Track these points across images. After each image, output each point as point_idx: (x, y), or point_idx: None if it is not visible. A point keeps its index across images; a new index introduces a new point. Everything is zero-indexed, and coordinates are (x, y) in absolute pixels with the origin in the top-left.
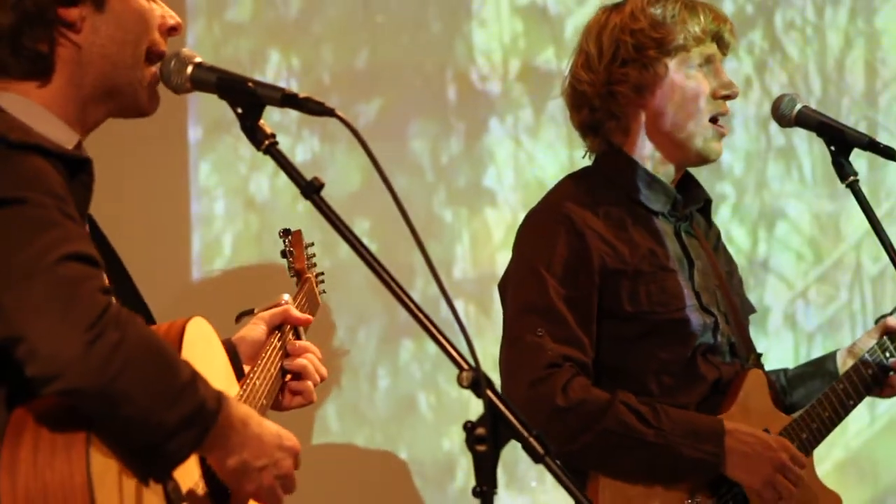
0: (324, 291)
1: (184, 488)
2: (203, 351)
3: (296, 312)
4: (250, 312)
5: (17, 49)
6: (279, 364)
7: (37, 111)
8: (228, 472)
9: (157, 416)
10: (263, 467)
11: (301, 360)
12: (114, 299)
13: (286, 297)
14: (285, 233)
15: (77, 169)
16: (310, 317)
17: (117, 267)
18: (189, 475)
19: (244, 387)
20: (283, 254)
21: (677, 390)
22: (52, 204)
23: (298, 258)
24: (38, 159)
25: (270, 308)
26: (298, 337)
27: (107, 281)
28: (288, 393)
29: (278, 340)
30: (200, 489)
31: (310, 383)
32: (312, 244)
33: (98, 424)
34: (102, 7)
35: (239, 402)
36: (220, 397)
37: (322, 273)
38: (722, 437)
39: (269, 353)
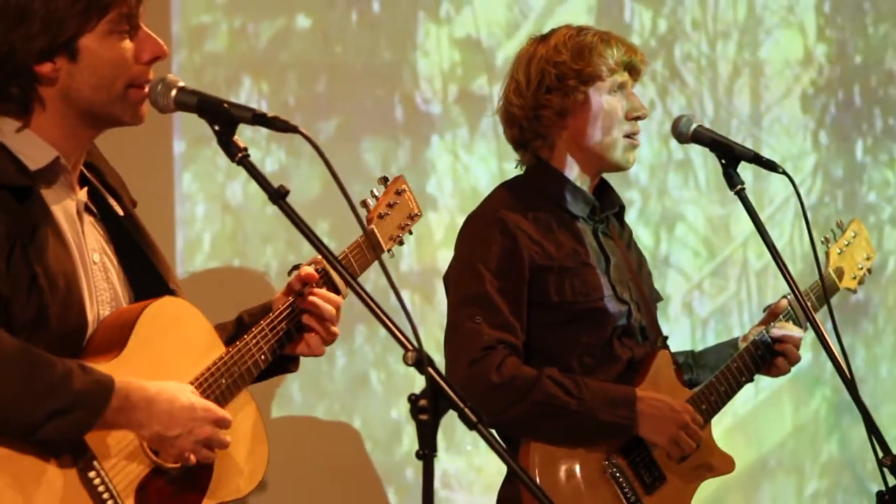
0: (400, 242)
1: (112, 452)
2: (165, 326)
3: (307, 269)
4: (298, 267)
5: (5, 95)
6: (286, 319)
7: (20, 133)
8: (147, 442)
9: (23, 412)
10: (178, 436)
11: (311, 320)
12: None
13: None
14: (383, 180)
15: (24, 195)
16: (307, 278)
17: (133, 248)
18: (122, 439)
19: (231, 348)
20: (363, 203)
21: (596, 369)
22: None
23: (377, 206)
24: None
25: (311, 263)
26: (335, 289)
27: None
28: (302, 343)
29: (291, 298)
30: (135, 448)
31: (315, 337)
32: (404, 191)
33: None
34: (76, 58)
35: (146, 384)
36: (111, 387)
37: (411, 218)
38: (634, 403)
39: (275, 313)
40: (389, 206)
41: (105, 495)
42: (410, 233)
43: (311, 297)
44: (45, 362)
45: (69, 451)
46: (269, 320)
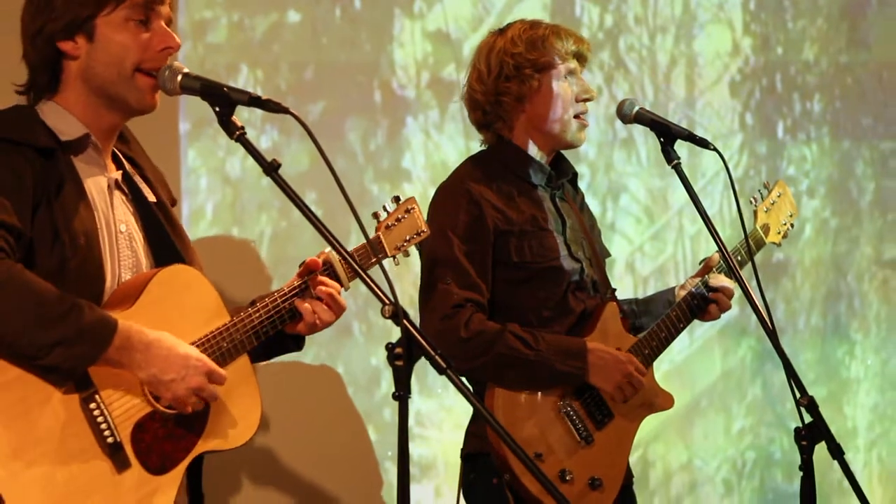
0: (406, 253)
1: (114, 391)
2: (175, 289)
3: (313, 258)
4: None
5: (39, 70)
6: (291, 300)
7: (57, 111)
8: (144, 384)
9: (31, 335)
10: (172, 381)
11: (306, 305)
12: (2, 255)
13: (328, 248)
14: (395, 199)
15: (49, 154)
16: (311, 265)
17: (160, 233)
18: (125, 382)
19: (235, 317)
20: (374, 215)
21: (553, 320)
22: None
23: (386, 219)
24: (6, 146)
25: (319, 256)
26: (337, 278)
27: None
28: (303, 322)
29: (297, 282)
30: (136, 392)
31: (310, 312)
32: (412, 209)
33: None
34: (93, 39)
35: (146, 330)
36: (114, 326)
37: (418, 234)
38: (585, 355)
39: (280, 292)
40: (398, 220)
41: (103, 425)
42: (417, 247)
43: (314, 283)
44: (57, 295)
45: (74, 383)
46: (273, 297)
